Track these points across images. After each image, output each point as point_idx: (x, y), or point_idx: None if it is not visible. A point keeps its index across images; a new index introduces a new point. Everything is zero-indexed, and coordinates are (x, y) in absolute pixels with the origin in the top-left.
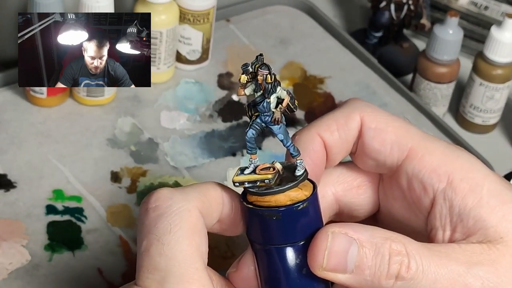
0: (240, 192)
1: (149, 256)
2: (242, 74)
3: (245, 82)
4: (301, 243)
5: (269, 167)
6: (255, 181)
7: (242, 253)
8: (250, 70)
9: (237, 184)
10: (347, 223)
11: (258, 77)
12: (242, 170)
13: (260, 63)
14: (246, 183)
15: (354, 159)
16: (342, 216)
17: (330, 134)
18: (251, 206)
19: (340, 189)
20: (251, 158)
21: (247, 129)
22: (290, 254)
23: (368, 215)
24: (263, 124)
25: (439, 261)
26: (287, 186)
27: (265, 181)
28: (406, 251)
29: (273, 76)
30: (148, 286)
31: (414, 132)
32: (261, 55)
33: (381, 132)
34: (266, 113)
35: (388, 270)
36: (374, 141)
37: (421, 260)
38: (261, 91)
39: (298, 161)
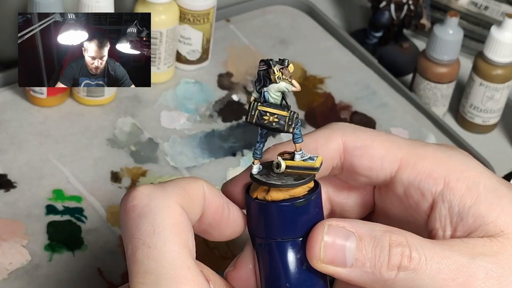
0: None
1: (137, 261)
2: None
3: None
4: (301, 238)
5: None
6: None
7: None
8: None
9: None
10: (345, 218)
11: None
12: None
13: (272, 62)
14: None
15: (342, 179)
16: (334, 216)
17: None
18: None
19: (332, 189)
20: (298, 148)
21: (297, 116)
22: (292, 249)
23: (361, 216)
24: None
25: (442, 252)
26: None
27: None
28: (407, 242)
29: None
30: None
31: (401, 142)
32: (266, 60)
33: (368, 148)
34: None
35: (389, 261)
36: (363, 159)
37: (424, 251)
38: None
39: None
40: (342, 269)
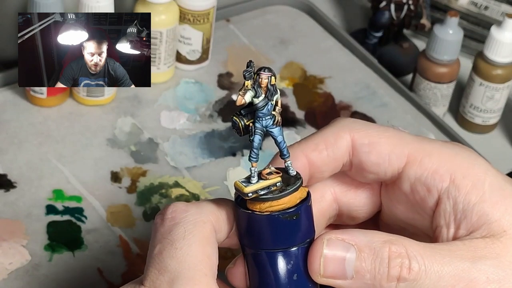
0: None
1: (161, 258)
2: (247, 80)
3: (248, 88)
4: (294, 248)
5: (271, 172)
6: (267, 187)
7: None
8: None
9: (251, 194)
10: (344, 230)
11: (263, 80)
12: (247, 179)
13: (254, 68)
14: (259, 190)
15: (352, 176)
16: (342, 217)
17: (318, 153)
18: (266, 213)
19: (339, 189)
20: (252, 166)
21: (252, 137)
22: (283, 259)
23: (369, 216)
24: (264, 128)
25: (442, 260)
26: (298, 184)
27: (277, 184)
28: (407, 252)
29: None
30: (157, 287)
31: (408, 138)
32: (251, 61)
33: (376, 145)
34: (267, 117)
35: (388, 272)
36: (370, 156)
37: (423, 260)
38: (263, 95)
39: (288, 163)
40: (343, 281)
